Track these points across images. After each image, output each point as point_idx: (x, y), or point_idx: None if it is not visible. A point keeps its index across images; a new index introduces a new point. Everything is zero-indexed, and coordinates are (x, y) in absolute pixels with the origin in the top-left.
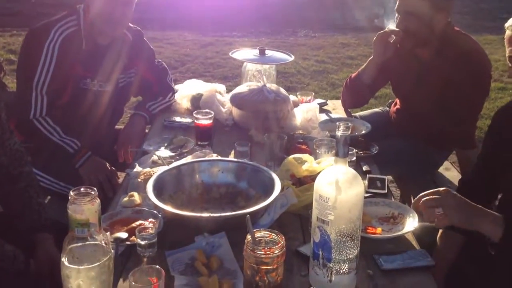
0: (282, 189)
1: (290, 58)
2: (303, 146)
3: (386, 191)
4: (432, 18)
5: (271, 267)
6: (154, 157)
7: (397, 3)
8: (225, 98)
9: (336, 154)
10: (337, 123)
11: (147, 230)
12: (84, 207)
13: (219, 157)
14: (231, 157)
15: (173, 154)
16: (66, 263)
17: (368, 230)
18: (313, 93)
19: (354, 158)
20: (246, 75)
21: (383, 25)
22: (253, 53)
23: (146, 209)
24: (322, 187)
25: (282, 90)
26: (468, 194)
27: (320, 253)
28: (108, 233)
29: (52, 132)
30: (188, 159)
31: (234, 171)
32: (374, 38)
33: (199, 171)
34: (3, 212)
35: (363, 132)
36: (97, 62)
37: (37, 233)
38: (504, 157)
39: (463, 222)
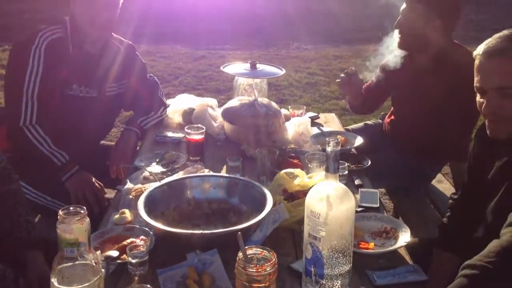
0: (274, 204)
1: (281, 72)
2: (295, 161)
3: (378, 205)
4: (427, 23)
5: (263, 284)
6: (146, 173)
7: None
8: (217, 113)
9: (327, 170)
10: (327, 138)
11: (138, 248)
12: (74, 226)
13: (211, 173)
14: (223, 172)
15: (164, 169)
16: (55, 283)
17: (360, 245)
18: (305, 107)
19: (346, 172)
20: (237, 89)
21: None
22: (244, 67)
23: (137, 226)
24: (313, 203)
25: (274, 104)
26: (461, 209)
27: (313, 269)
28: (98, 252)
29: (42, 142)
30: (180, 174)
31: (226, 187)
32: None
33: (190, 187)
34: None
35: (355, 145)
36: (84, 68)
37: (27, 251)
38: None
39: None
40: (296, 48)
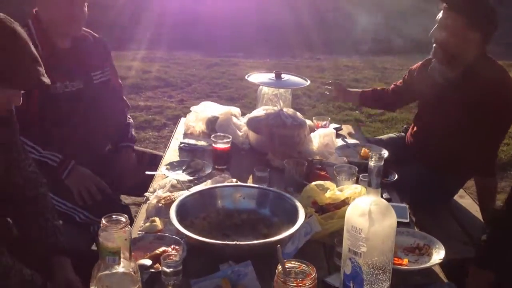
0: (306, 217)
1: (306, 83)
2: (322, 172)
3: (408, 220)
4: (465, 35)
5: None
6: (173, 181)
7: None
8: (241, 121)
9: (369, 185)
10: (370, 153)
11: (172, 257)
12: (115, 235)
13: (239, 183)
14: (249, 182)
15: (191, 178)
16: None
17: (394, 261)
18: (329, 118)
19: None
20: (261, 99)
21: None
22: (269, 76)
23: (168, 235)
24: (354, 218)
25: (299, 115)
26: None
27: (351, 285)
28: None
29: (31, 151)
30: (208, 184)
31: (256, 197)
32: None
33: (221, 196)
34: (20, 236)
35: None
36: (59, 64)
37: (54, 257)
38: None
39: None
40: (308, 57)
